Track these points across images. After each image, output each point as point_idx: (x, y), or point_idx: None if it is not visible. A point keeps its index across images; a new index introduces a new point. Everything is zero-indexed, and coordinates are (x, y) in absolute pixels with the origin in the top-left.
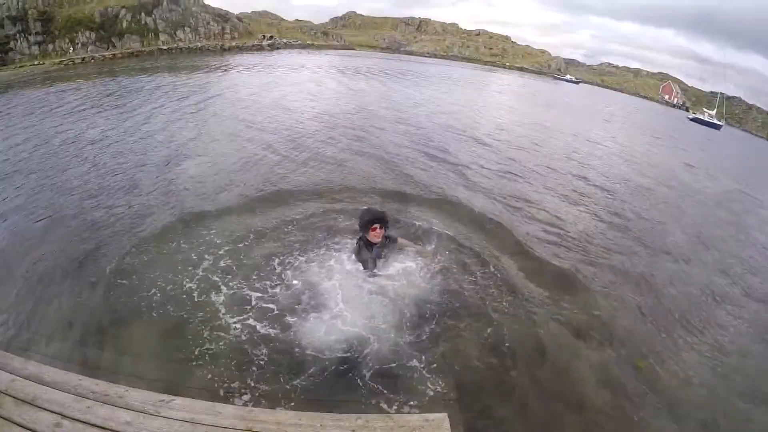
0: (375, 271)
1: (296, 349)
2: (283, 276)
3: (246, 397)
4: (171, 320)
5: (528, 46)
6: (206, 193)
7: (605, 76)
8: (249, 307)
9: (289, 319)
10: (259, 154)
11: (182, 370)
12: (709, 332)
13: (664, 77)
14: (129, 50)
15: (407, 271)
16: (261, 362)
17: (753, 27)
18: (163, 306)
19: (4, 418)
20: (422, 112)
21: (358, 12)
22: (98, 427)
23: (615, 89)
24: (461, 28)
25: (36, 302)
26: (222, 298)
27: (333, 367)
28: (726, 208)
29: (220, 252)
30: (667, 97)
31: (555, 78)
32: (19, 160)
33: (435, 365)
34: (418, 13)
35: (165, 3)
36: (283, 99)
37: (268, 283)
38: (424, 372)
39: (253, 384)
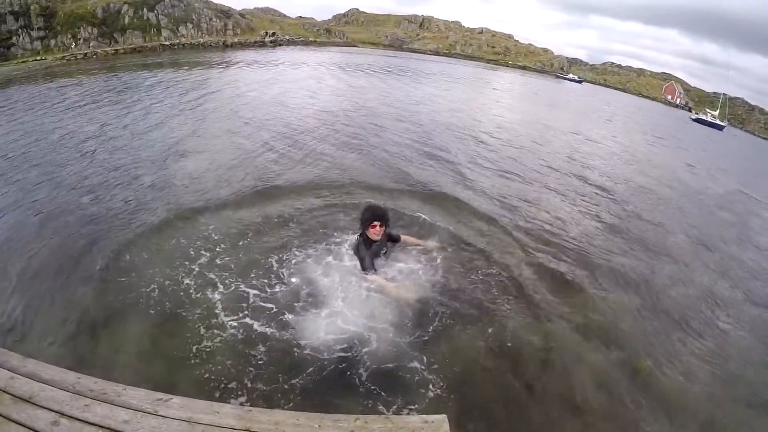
0: (373, 271)
1: (295, 349)
2: (281, 273)
3: (243, 398)
4: (168, 317)
5: (531, 44)
6: (204, 189)
7: (608, 75)
8: (246, 305)
9: (288, 317)
10: (258, 151)
11: (180, 368)
12: (709, 336)
13: (667, 77)
14: (131, 46)
15: (410, 270)
16: (259, 361)
17: (756, 28)
18: (160, 303)
19: (2, 416)
20: (423, 110)
21: (361, 9)
22: (96, 425)
23: (618, 89)
24: (464, 26)
25: (32, 298)
26: (220, 295)
27: (332, 367)
28: (728, 209)
29: (217, 249)
30: (669, 97)
31: (558, 77)
32: (18, 154)
33: (435, 366)
34: (421, 10)
35: None
36: (283, 96)
37: (266, 280)
38: (423, 373)
39: (250, 384)
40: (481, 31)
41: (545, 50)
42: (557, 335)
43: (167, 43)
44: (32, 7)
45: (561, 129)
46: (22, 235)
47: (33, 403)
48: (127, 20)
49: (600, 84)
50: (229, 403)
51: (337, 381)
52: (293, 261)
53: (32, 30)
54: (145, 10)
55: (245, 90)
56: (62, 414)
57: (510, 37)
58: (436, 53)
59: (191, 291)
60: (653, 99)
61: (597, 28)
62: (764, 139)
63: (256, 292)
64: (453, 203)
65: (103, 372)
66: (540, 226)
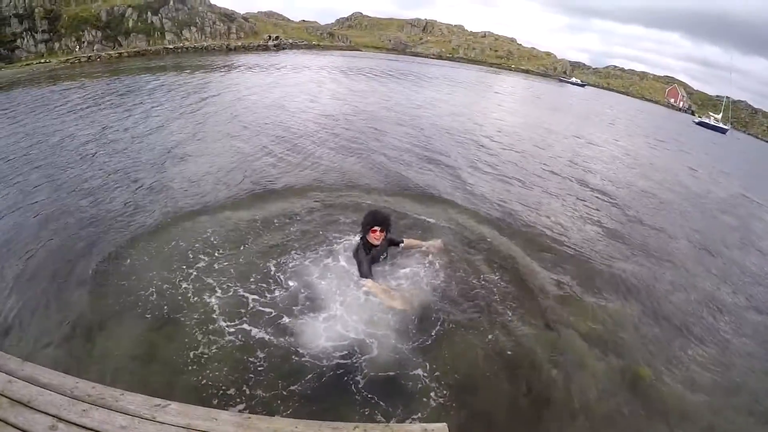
0: (369, 277)
1: (294, 355)
2: (280, 278)
3: (242, 405)
4: (166, 321)
5: (533, 48)
6: (203, 193)
7: (611, 79)
8: (245, 311)
9: (287, 322)
10: (257, 154)
11: (178, 373)
12: (710, 342)
13: (669, 81)
14: (135, 49)
15: (413, 273)
16: (258, 367)
17: (758, 30)
18: (158, 307)
19: (0, 420)
20: (424, 114)
21: (365, 13)
22: (93, 430)
23: (621, 92)
24: (467, 30)
25: (29, 300)
26: (218, 300)
27: (331, 374)
28: (731, 213)
29: (216, 253)
30: (672, 100)
31: (561, 81)
32: (19, 156)
33: (435, 373)
34: (424, 14)
35: (171, 2)
36: (283, 99)
37: (264, 284)
38: (423, 380)
39: (249, 390)
40: (484, 35)
41: (548, 54)
42: (558, 342)
43: (171, 46)
44: (37, 10)
45: (563, 133)
46: (21, 237)
47: (31, 407)
48: (131, 23)
49: (603, 88)
50: (227, 410)
51: (337, 387)
52: (292, 264)
53: (36, 33)
54: (149, 13)
55: (246, 93)
56: (60, 418)
57: (513, 40)
58: (439, 57)
59: (190, 295)
60: (656, 102)
61: (599, 32)
62: (767, 142)
63: (255, 296)
64: (453, 208)
65: (100, 376)
66: (541, 231)
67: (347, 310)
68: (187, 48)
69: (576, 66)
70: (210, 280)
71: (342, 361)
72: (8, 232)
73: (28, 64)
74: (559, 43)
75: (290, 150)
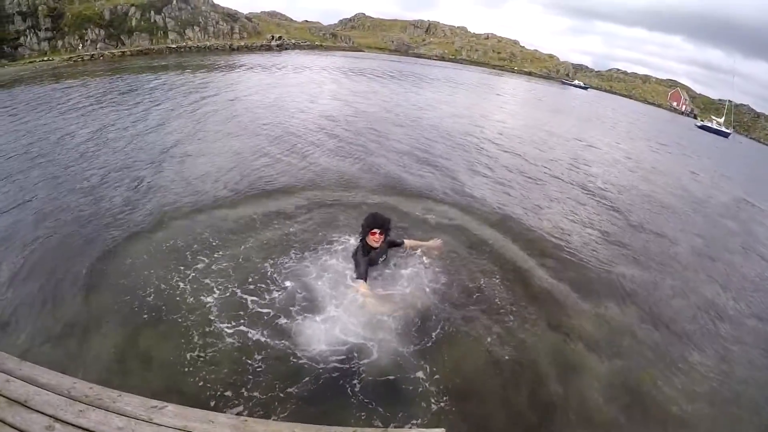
0: (363, 279)
1: (291, 357)
2: (279, 279)
3: (239, 408)
4: (164, 322)
5: (536, 50)
6: (202, 192)
7: (614, 82)
8: (244, 312)
9: (286, 324)
10: (256, 155)
11: (175, 374)
12: (711, 349)
13: (672, 84)
14: (138, 48)
15: (414, 274)
16: (256, 370)
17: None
18: (156, 308)
19: None
20: (425, 116)
21: (368, 14)
22: (90, 431)
23: (623, 95)
24: (470, 32)
25: (25, 297)
26: (216, 301)
27: (330, 376)
28: (733, 218)
29: (215, 254)
30: (675, 104)
31: (563, 83)
32: (20, 154)
33: (434, 377)
34: (427, 15)
35: (175, 2)
36: (284, 100)
37: (263, 285)
38: (422, 384)
39: (247, 392)
40: (487, 37)
41: (551, 56)
42: (559, 347)
43: (174, 45)
44: (40, 8)
45: (564, 135)
46: (19, 235)
47: (28, 407)
48: (134, 22)
49: (605, 90)
50: (224, 412)
51: (335, 391)
52: (292, 266)
53: (40, 30)
54: (152, 12)
55: (248, 93)
56: (57, 419)
57: (516, 42)
58: (442, 58)
59: (187, 296)
60: (659, 106)
61: (602, 34)
62: None
63: (254, 298)
64: (454, 210)
65: (97, 375)
66: (542, 235)
67: (346, 313)
68: (190, 47)
69: (579, 69)
70: (208, 281)
71: (340, 365)
72: (7, 229)
73: (31, 62)
74: (561, 45)
75: (289, 150)
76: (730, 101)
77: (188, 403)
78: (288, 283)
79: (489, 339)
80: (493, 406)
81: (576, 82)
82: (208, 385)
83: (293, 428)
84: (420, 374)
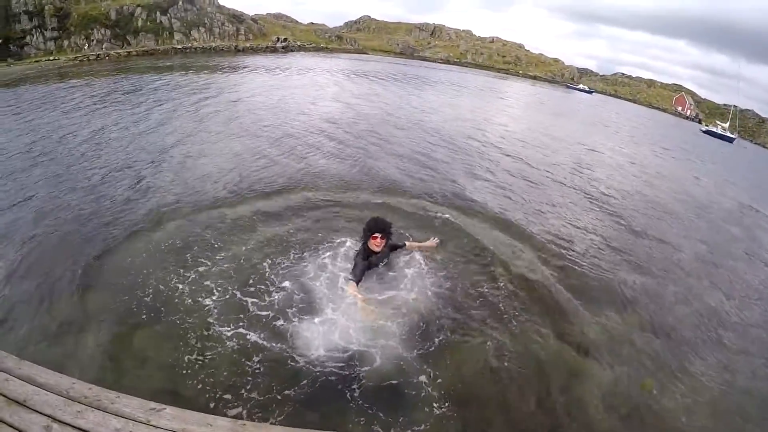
0: (357, 281)
1: (291, 361)
2: (279, 281)
3: (238, 410)
4: (163, 323)
5: (541, 54)
6: (202, 192)
7: (619, 86)
8: (244, 315)
9: (286, 327)
10: (258, 156)
11: (174, 376)
12: (715, 356)
13: (677, 89)
14: (143, 48)
15: (418, 275)
16: (255, 372)
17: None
18: (155, 309)
19: None
20: (427, 119)
21: (373, 17)
22: None
23: (628, 100)
24: (475, 35)
25: (23, 295)
26: (216, 303)
27: (329, 380)
28: (737, 224)
29: (216, 256)
30: (680, 108)
31: (568, 87)
32: (22, 152)
33: (437, 380)
34: (433, 18)
35: (180, 2)
36: (287, 102)
37: (263, 287)
38: (422, 390)
39: (246, 394)
40: (492, 41)
41: (556, 60)
42: (560, 354)
43: (179, 46)
44: (47, 8)
45: (568, 140)
46: (18, 232)
47: (27, 407)
48: (140, 23)
49: (610, 95)
50: (224, 414)
51: (335, 395)
52: (292, 268)
53: (46, 30)
54: (158, 13)
55: (251, 95)
56: (55, 419)
57: (521, 46)
58: (447, 62)
59: (187, 298)
60: (663, 110)
61: (606, 38)
62: None
63: (254, 300)
64: (454, 215)
65: (93, 375)
66: (545, 240)
67: (344, 315)
68: (195, 48)
69: (583, 73)
70: (208, 283)
71: (341, 370)
72: (6, 226)
73: (36, 61)
74: (566, 49)
75: (290, 152)
76: (735, 106)
77: (186, 404)
78: (290, 285)
79: (491, 345)
80: (494, 412)
81: (581, 86)
82: (208, 386)
83: None
84: (423, 378)
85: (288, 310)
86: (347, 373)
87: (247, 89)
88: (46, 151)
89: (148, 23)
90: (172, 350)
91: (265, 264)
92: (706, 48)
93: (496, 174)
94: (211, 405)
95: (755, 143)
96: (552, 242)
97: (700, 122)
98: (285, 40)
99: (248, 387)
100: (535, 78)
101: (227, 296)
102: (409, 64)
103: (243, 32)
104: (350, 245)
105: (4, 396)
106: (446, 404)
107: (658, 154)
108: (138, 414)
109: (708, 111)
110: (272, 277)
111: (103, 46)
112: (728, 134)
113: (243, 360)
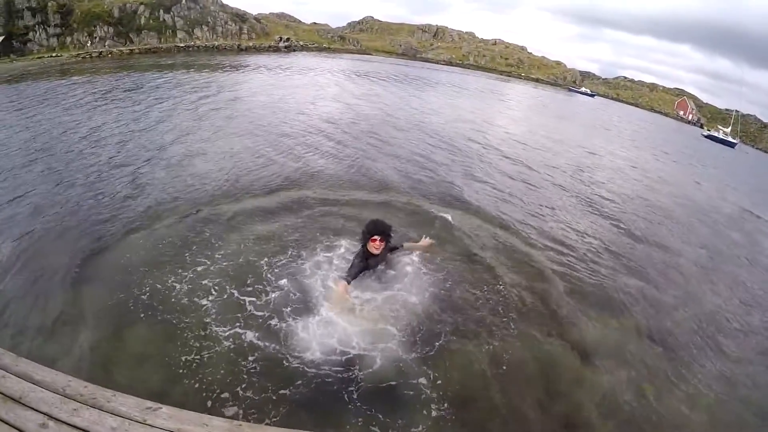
0: (348, 281)
1: (287, 362)
2: (278, 280)
3: (234, 409)
4: (160, 321)
5: (544, 57)
6: (201, 190)
7: (621, 90)
8: (241, 315)
9: (285, 327)
10: (256, 155)
11: (170, 375)
12: (714, 362)
13: (679, 93)
14: (146, 46)
15: (417, 275)
16: (252, 372)
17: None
18: (152, 307)
19: None
20: (427, 120)
21: (376, 17)
22: (83, 430)
23: (630, 103)
24: (478, 37)
25: (21, 292)
26: (214, 302)
27: (326, 381)
28: (738, 229)
29: (216, 255)
30: (682, 113)
31: (570, 90)
32: (22, 148)
33: (436, 383)
34: (436, 20)
35: (184, 1)
36: (288, 101)
37: (261, 287)
38: (421, 392)
39: (242, 393)
40: (495, 43)
41: (558, 63)
42: (559, 358)
43: (182, 44)
44: (50, 4)
45: (569, 143)
46: (15, 228)
47: (22, 404)
48: (143, 21)
49: (612, 98)
50: (221, 414)
51: (333, 396)
52: (291, 269)
53: (49, 26)
54: (161, 11)
55: (251, 94)
56: (50, 417)
57: (523, 49)
58: (449, 63)
59: (184, 297)
60: (665, 114)
61: (609, 42)
62: None
63: (252, 299)
64: (455, 217)
65: (88, 373)
66: (544, 243)
67: (337, 315)
68: (198, 47)
69: (586, 76)
70: (205, 281)
71: (339, 374)
72: (4, 221)
73: (39, 58)
74: (569, 52)
75: (288, 151)
76: (737, 111)
77: (183, 404)
78: (288, 284)
79: (490, 348)
80: (492, 415)
81: (583, 89)
82: (205, 386)
83: None
84: (422, 380)
85: (284, 309)
86: (345, 374)
87: (247, 88)
88: (46, 147)
89: (151, 21)
90: (169, 349)
91: (262, 263)
92: (710, 52)
93: (496, 176)
94: (208, 405)
95: (757, 148)
96: (552, 246)
97: (701, 127)
98: (288, 39)
99: (245, 387)
100: (537, 81)
101: (225, 295)
102: (411, 66)
103: (246, 31)
104: (347, 245)
105: (1, 393)
106: (445, 406)
107: (659, 159)
108: (134, 413)
109: (710, 115)
110: (275, 277)
111: (106, 44)
112: (730, 139)
113: (240, 360)
